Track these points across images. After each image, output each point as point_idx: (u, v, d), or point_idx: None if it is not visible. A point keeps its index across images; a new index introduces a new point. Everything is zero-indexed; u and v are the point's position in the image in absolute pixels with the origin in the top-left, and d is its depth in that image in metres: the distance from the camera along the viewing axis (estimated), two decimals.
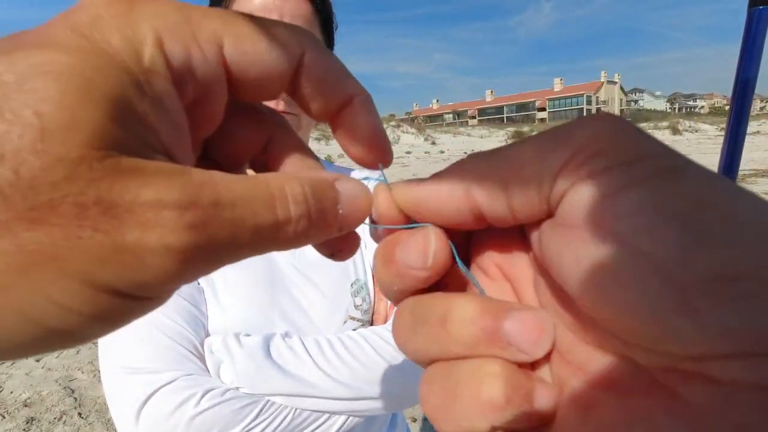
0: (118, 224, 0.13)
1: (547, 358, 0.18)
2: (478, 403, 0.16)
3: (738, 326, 0.12)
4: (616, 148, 0.15)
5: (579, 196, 0.15)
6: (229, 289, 0.65)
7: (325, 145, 23.42)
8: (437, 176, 0.19)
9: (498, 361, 0.17)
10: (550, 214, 0.17)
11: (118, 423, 0.56)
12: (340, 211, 0.19)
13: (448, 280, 0.21)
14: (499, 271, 0.21)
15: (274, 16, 0.62)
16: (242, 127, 0.23)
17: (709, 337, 0.13)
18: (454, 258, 0.19)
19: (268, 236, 0.16)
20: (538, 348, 0.17)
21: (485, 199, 0.18)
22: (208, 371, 0.60)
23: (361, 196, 0.20)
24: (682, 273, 0.13)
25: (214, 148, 0.23)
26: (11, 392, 2.70)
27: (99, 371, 0.60)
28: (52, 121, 0.13)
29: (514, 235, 0.20)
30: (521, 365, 0.17)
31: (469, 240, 0.22)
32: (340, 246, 0.23)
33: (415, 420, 2.47)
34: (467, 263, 0.22)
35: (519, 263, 0.20)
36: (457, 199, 0.18)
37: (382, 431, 0.78)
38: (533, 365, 0.18)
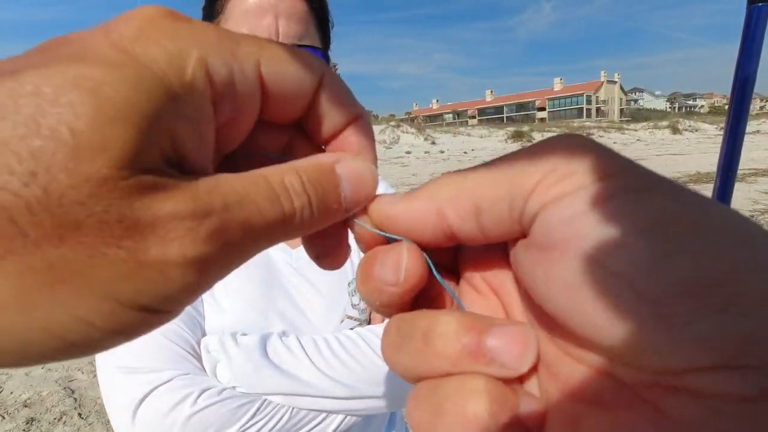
0: (140, 239, 0.14)
1: (534, 370, 0.18)
2: (464, 420, 0.16)
3: (713, 337, 0.12)
4: (584, 168, 0.16)
5: (549, 217, 0.16)
6: (226, 288, 0.65)
7: None
8: (412, 194, 0.19)
9: (482, 377, 0.17)
10: (523, 234, 0.17)
11: (114, 422, 0.56)
12: (343, 194, 0.19)
13: (435, 296, 0.21)
14: (488, 286, 0.21)
15: (269, 16, 0.61)
16: (263, 133, 0.23)
17: (685, 349, 0.12)
18: (433, 273, 0.19)
19: (277, 231, 0.17)
20: (522, 363, 0.17)
21: (456, 219, 0.18)
22: (205, 371, 0.59)
23: (365, 175, 0.20)
24: (653, 286, 0.13)
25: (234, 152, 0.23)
26: (11, 392, 2.70)
27: None
28: (85, 139, 0.13)
29: (501, 249, 0.20)
30: (507, 380, 0.17)
31: (456, 254, 0.22)
32: (327, 250, 0.23)
33: None
34: (456, 278, 0.22)
35: (506, 278, 0.20)
36: (429, 218, 0.18)
37: (380, 431, 0.78)
38: (521, 378, 0.18)
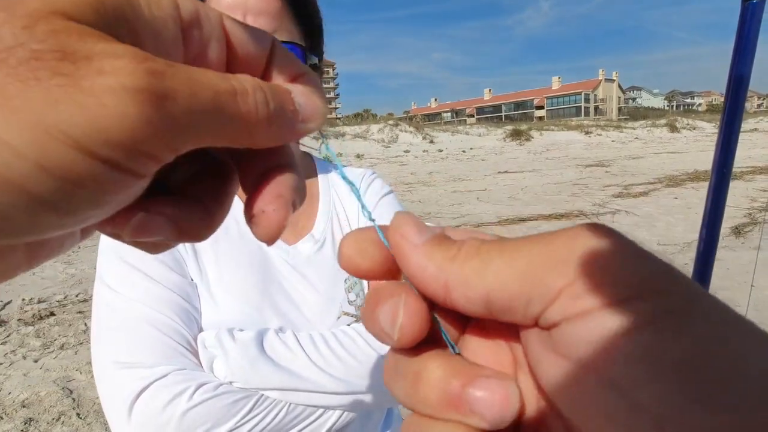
0: (75, 69, 0.13)
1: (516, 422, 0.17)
2: None
3: None
4: (615, 280, 0.15)
5: (573, 333, 0.15)
6: (223, 284, 0.65)
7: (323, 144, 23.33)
8: (429, 249, 0.18)
9: (462, 427, 0.16)
10: (535, 325, 0.17)
11: (110, 418, 0.56)
12: (298, 104, 0.19)
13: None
14: (497, 330, 0.20)
15: (238, 13, 0.60)
16: None
17: None
18: (433, 317, 0.19)
19: (229, 101, 0.16)
20: (501, 419, 0.16)
21: (462, 301, 0.17)
22: (202, 366, 0.59)
23: (315, 93, 0.20)
24: (682, 431, 0.12)
25: None
26: (9, 393, 2.70)
27: None
28: None
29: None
30: None
31: None
32: (263, 207, 0.21)
33: None
34: (464, 318, 0.21)
35: (515, 329, 0.19)
36: (435, 286, 0.18)
37: (377, 429, 0.78)
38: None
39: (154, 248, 0.21)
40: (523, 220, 7.03)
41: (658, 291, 0.14)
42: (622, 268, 0.15)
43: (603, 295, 0.14)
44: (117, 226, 0.19)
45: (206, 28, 0.18)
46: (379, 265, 0.20)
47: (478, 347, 0.20)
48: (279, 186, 0.21)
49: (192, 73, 0.16)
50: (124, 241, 0.20)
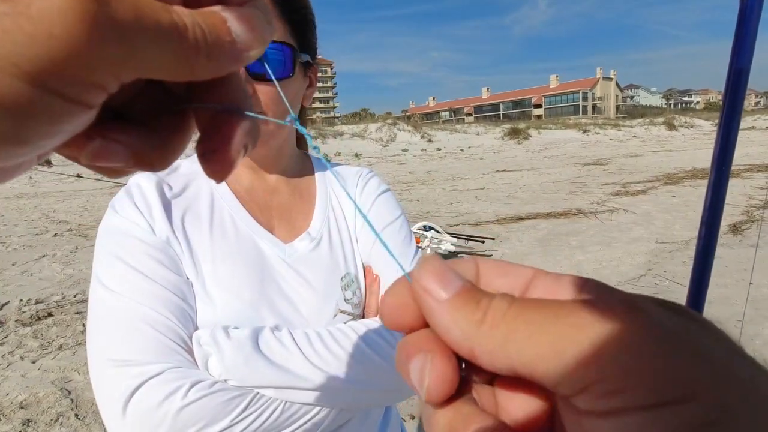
0: None
1: None
2: None
3: None
4: (651, 380, 0.13)
5: (599, 425, 0.14)
6: (218, 282, 0.65)
7: (321, 143, 23.40)
8: (448, 309, 0.18)
9: None
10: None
11: (105, 415, 0.55)
12: (234, 30, 0.18)
13: None
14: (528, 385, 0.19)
15: None
16: None
17: None
18: (459, 373, 0.19)
19: (171, 31, 0.16)
20: None
21: (490, 367, 0.17)
22: (197, 364, 0.59)
23: (253, 14, 0.19)
24: None
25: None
26: (7, 394, 2.69)
27: None
28: None
29: None
30: None
31: None
32: (214, 146, 0.21)
33: (413, 417, 2.47)
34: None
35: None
36: (460, 349, 0.18)
37: (375, 427, 0.77)
38: None
39: (112, 173, 0.21)
40: (522, 218, 7.04)
41: (701, 392, 0.13)
42: (664, 369, 0.13)
43: (636, 394, 0.13)
44: (74, 150, 0.19)
45: None
46: (421, 319, 0.19)
47: (510, 396, 0.20)
48: (231, 127, 0.21)
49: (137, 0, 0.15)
50: (81, 164, 0.20)
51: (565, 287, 0.19)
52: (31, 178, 14.06)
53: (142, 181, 0.67)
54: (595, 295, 0.17)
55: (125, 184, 0.68)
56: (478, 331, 0.17)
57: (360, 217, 0.78)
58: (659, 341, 0.14)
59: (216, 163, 0.21)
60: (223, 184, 0.72)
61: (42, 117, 0.14)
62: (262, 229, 0.71)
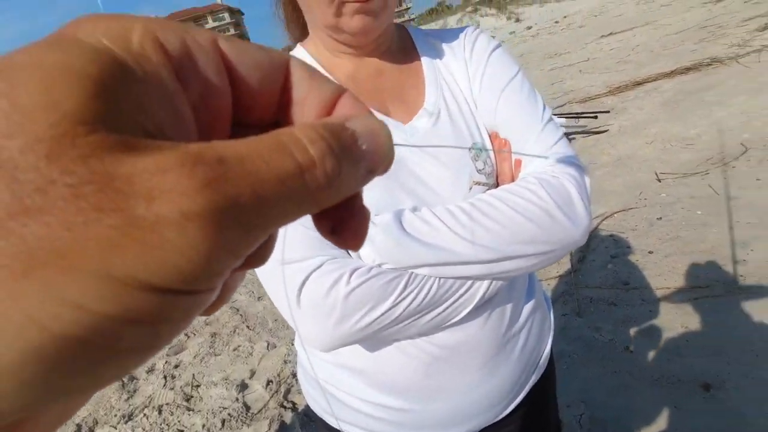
0: (119, 200, 0.11)
1: None
2: None
3: None
4: None
5: None
6: None
7: None
8: None
9: None
10: None
11: (284, 314, 0.63)
12: (363, 147, 0.16)
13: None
14: None
15: None
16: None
17: None
18: None
19: (297, 186, 0.14)
20: None
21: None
22: (349, 254, 0.63)
23: (379, 128, 0.17)
24: None
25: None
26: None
27: None
28: (27, 102, 0.11)
29: None
30: None
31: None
32: (343, 222, 0.20)
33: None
34: None
35: None
36: None
37: (522, 297, 0.79)
38: None
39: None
40: (639, 83, 6.15)
41: None
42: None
43: None
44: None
45: (201, 60, 0.16)
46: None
47: None
48: (358, 224, 0.20)
49: (245, 163, 0.13)
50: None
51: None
52: None
53: None
54: None
55: None
56: None
57: (476, 80, 0.73)
58: None
59: (352, 239, 0.20)
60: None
61: (174, 315, 0.13)
62: (378, 114, 0.70)
